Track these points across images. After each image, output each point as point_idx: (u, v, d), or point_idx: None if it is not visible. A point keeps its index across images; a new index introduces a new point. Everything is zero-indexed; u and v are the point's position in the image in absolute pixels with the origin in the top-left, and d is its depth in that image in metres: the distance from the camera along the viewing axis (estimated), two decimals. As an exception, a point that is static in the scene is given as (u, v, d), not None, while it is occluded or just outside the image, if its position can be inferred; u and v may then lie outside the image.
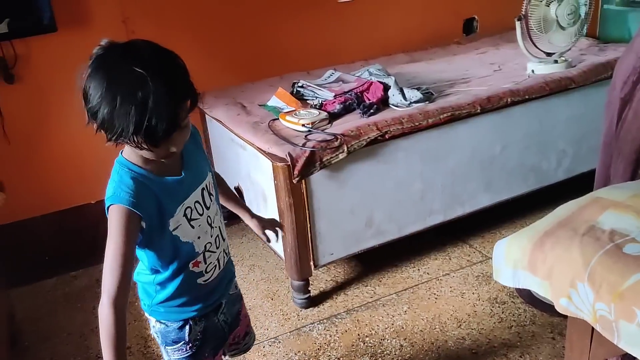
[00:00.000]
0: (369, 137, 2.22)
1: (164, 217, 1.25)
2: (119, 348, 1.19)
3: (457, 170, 2.49)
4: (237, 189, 2.64)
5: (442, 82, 2.68)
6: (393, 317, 2.27)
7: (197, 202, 1.32)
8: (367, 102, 2.42)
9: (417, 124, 2.31)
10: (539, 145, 2.64)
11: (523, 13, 2.63)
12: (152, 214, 1.23)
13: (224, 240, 1.44)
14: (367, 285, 2.47)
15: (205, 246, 1.35)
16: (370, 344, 2.14)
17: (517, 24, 2.66)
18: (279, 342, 2.20)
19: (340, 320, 2.28)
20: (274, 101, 2.54)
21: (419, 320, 2.23)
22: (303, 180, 2.15)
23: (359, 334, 2.19)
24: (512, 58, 2.96)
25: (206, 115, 2.78)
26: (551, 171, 2.72)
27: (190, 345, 1.42)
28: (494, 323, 2.18)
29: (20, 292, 2.56)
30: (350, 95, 2.47)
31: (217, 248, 1.40)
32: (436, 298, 2.35)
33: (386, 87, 2.48)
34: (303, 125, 2.25)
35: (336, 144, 2.16)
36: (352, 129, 2.22)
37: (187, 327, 1.40)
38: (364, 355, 2.08)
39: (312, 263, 2.29)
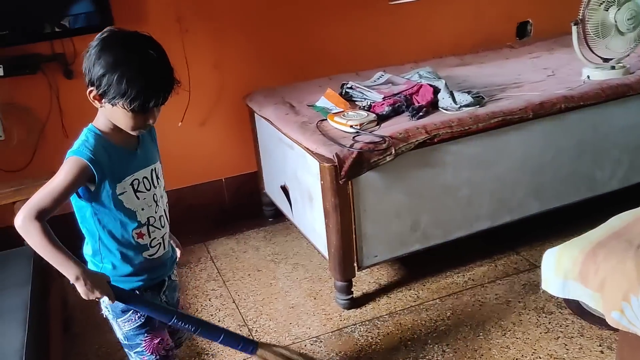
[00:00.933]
0: (417, 140, 2.20)
1: (114, 179, 1.42)
2: (52, 239, 1.35)
3: (507, 177, 2.44)
4: (284, 188, 2.67)
5: (493, 86, 2.64)
6: (436, 322, 2.25)
7: (145, 178, 1.48)
8: (417, 104, 2.41)
9: (466, 128, 2.28)
10: (593, 153, 2.57)
11: (580, 17, 2.57)
12: (104, 172, 1.40)
13: (168, 224, 1.58)
14: (410, 289, 2.45)
15: (148, 219, 1.49)
16: (412, 348, 2.13)
17: (574, 28, 2.59)
18: (321, 341, 2.21)
19: (382, 322, 2.28)
20: (322, 102, 2.56)
21: (462, 327, 2.21)
22: (349, 182, 2.15)
23: (401, 338, 2.18)
24: (567, 63, 2.89)
25: (255, 114, 2.82)
26: (604, 180, 2.64)
27: (138, 315, 1.52)
28: (540, 333, 2.14)
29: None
30: (400, 97, 2.46)
31: (162, 227, 1.54)
32: (480, 305, 2.32)
33: (436, 90, 2.46)
34: (351, 126, 2.26)
35: (384, 146, 2.15)
36: (401, 131, 2.22)
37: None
38: (405, 359, 2.07)
39: (355, 264, 2.29)
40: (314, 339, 2.22)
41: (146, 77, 1.33)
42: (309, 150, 2.24)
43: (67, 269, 1.37)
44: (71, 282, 1.39)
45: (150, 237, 1.51)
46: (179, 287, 1.71)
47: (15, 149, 2.65)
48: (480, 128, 2.30)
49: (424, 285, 2.47)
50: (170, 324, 1.51)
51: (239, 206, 3.12)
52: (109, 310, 1.54)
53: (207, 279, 2.65)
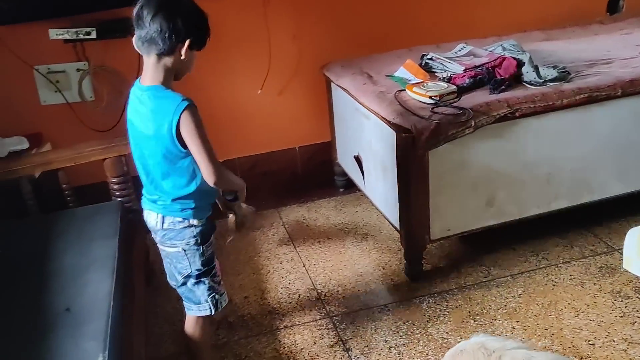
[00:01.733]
0: (498, 114, 2.16)
1: None
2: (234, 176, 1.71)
3: (590, 155, 2.36)
4: (357, 158, 2.68)
5: (581, 62, 2.54)
6: (506, 298, 2.22)
7: None
8: (499, 77, 2.35)
9: (550, 103, 2.21)
10: (685, 135, 2.44)
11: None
12: None
13: None
14: (481, 265, 2.43)
15: None
16: (480, 322, 2.12)
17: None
18: (388, 310, 2.23)
19: (451, 296, 2.27)
20: (401, 72, 2.54)
21: (534, 305, 2.17)
22: (426, 153, 2.14)
23: (469, 312, 2.18)
24: (662, 40, 2.74)
25: (332, 84, 2.83)
26: (696, 164, 2.51)
27: (213, 239, 1.75)
28: (615, 317, 2.08)
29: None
30: (482, 70, 2.41)
31: None
32: (554, 285, 2.27)
33: (520, 64, 2.40)
34: (430, 97, 2.24)
35: (463, 118, 2.13)
36: (481, 104, 2.18)
37: (211, 224, 1.75)
38: (473, 333, 2.06)
39: (427, 236, 2.29)
40: (382, 307, 2.25)
41: (199, 16, 1.57)
42: (386, 120, 2.24)
43: (241, 187, 1.73)
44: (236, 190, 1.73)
45: None
46: None
47: (104, 110, 2.78)
48: (564, 104, 2.23)
49: (496, 262, 2.44)
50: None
51: (311, 175, 3.16)
52: (198, 239, 1.69)
53: (279, 243, 2.72)
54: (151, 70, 1.59)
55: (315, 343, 2.10)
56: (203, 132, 1.55)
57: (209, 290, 1.75)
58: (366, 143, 2.55)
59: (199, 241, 1.70)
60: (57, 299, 1.71)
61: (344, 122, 2.82)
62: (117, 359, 1.52)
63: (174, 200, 1.66)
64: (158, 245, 1.77)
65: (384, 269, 2.48)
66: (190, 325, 1.82)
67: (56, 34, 2.53)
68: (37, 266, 1.87)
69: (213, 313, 1.78)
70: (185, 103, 1.53)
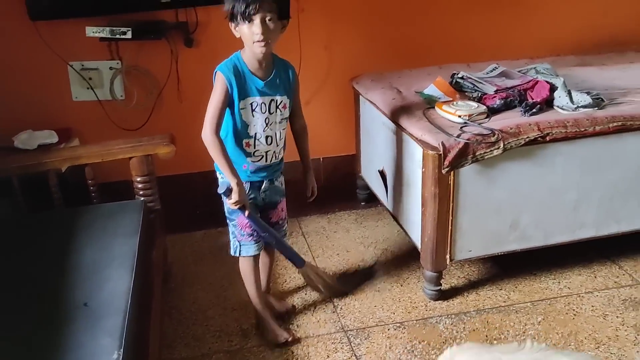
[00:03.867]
0: (528, 137, 2.13)
1: (240, 95, 1.88)
2: (228, 159, 1.87)
3: (619, 185, 2.32)
4: (381, 173, 2.67)
5: (615, 90, 2.50)
6: (525, 325, 2.18)
7: (263, 103, 1.92)
8: (531, 100, 2.33)
9: (582, 129, 2.18)
10: None
11: None
12: (237, 87, 1.87)
13: (277, 145, 2.00)
14: (501, 289, 2.40)
15: (255, 134, 1.94)
16: (498, 348, 2.08)
17: None
18: (404, 327, 2.21)
19: (468, 318, 2.24)
20: (431, 89, 2.53)
21: (553, 334, 2.13)
22: (452, 172, 2.12)
23: (487, 335, 2.14)
24: (700, 72, 2.69)
25: (360, 97, 2.83)
26: None
27: (239, 197, 1.92)
28: (637, 352, 2.02)
29: (173, 238, 2.78)
30: (513, 91, 2.38)
31: (268, 145, 1.97)
32: (575, 314, 2.23)
33: (553, 88, 2.37)
34: (459, 116, 2.22)
35: (492, 139, 2.10)
36: (512, 126, 2.15)
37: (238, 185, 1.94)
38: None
39: (448, 256, 2.26)
40: (398, 324, 2.23)
41: None
42: (414, 136, 2.23)
43: (232, 177, 1.87)
44: (232, 185, 1.87)
45: (254, 148, 1.96)
46: (282, 193, 2.13)
47: (133, 109, 2.82)
48: (596, 131, 2.19)
49: (516, 287, 2.40)
50: (261, 234, 2.05)
51: (333, 187, 3.15)
52: (220, 188, 1.95)
53: (298, 252, 2.70)
54: None
55: (328, 357, 2.08)
56: (213, 95, 1.85)
57: (231, 233, 2.08)
58: (391, 158, 2.54)
59: (220, 191, 1.94)
60: (76, 293, 1.72)
61: (370, 136, 2.81)
62: (132, 356, 1.52)
63: None
64: None
65: (402, 285, 2.45)
66: None
67: (93, 31, 2.57)
68: (58, 259, 1.88)
69: (233, 254, 2.10)
70: (218, 69, 1.87)
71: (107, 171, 2.56)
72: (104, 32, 2.57)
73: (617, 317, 2.20)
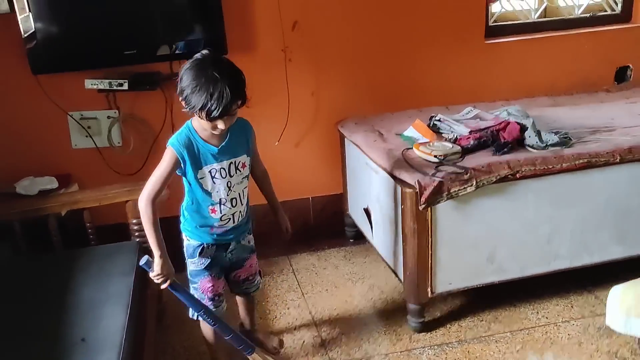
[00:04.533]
0: (499, 175, 2.28)
1: (196, 165, 1.90)
2: (156, 228, 1.88)
3: (589, 218, 2.45)
4: (366, 211, 2.80)
5: (584, 129, 2.66)
6: (504, 354, 2.28)
7: (222, 168, 1.93)
8: (502, 140, 2.48)
9: (550, 167, 2.32)
10: (684, 202, 2.52)
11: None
12: (189, 160, 1.88)
13: (242, 204, 2.02)
14: (482, 320, 2.50)
15: (220, 200, 1.95)
16: (477, 376, 2.18)
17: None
18: (389, 359, 2.30)
19: (450, 348, 2.34)
20: (410, 131, 2.68)
21: (531, 362, 2.23)
22: (429, 208, 2.26)
23: (467, 365, 2.24)
24: (664, 110, 2.85)
25: (345, 139, 2.98)
26: (696, 231, 2.57)
27: (202, 262, 2.03)
28: (612, 378, 2.12)
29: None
30: (486, 132, 2.54)
31: (233, 207, 1.99)
32: (551, 343, 2.33)
33: (523, 128, 2.52)
34: (435, 156, 2.36)
35: (465, 177, 2.24)
36: (484, 164, 2.30)
37: (200, 248, 2.02)
38: (470, 386, 2.13)
39: (429, 289, 2.38)
40: (383, 355, 2.32)
41: (208, 94, 1.73)
42: (393, 175, 2.37)
43: (157, 249, 1.88)
44: (155, 257, 1.88)
45: (221, 212, 1.98)
46: (250, 249, 2.16)
47: (130, 155, 2.96)
48: (564, 168, 2.33)
49: (496, 318, 2.50)
50: (197, 314, 2.03)
51: (322, 225, 3.28)
52: (185, 249, 2.05)
53: (288, 289, 2.82)
54: None
55: (315, 388, 2.17)
56: (160, 166, 1.89)
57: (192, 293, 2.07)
58: (375, 196, 2.68)
59: (185, 250, 2.03)
60: (74, 330, 1.82)
61: (355, 176, 2.95)
62: (126, 388, 1.62)
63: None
64: None
65: (387, 319, 2.55)
66: None
67: (92, 83, 2.73)
68: (58, 298, 1.99)
69: (191, 316, 2.10)
70: (169, 143, 1.90)
71: (104, 214, 2.69)
72: (102, 84, 2.73)
73: (591, 344, 2.30)
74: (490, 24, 3.30)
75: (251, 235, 2.16)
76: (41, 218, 2.40)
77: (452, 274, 2.39)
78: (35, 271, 2.21)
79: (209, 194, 1.94)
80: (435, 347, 2.35)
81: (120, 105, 2.88)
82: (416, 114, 2.91)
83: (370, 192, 2.72)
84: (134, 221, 2.41)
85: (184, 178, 1.96)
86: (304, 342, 2.43)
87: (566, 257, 2.48)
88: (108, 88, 2.74)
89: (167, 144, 1.90)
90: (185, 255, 2.05)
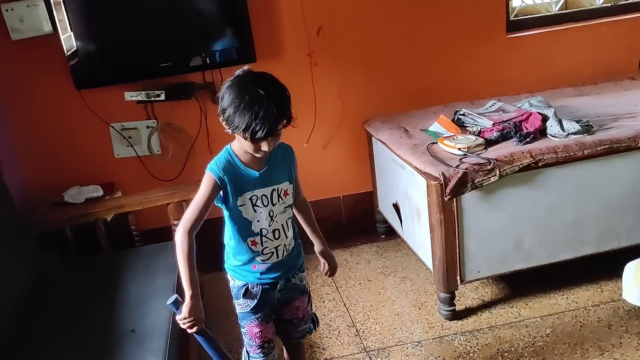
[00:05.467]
0: (521, 164, 2.35)
1: (237, 191, 1.72)
2: (190, 264, 1.68)
3: (614, 203, 2.49)
4: (395, 206, 2.90)
5: (606, 116, 2.70)
6: (535, 338, 2.34)
7: (264, 195, 1.74)
8: (525, 131, 2.54)
9: (572, 154, 2.38)
10: None
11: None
12: (230, 185, 1.71)
13: (287, 237, 1.81)
14: (512, 307, 2.56)
15: (261, 231, 1.76)
16: (508, 359, 2.24)
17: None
18: (422, 346, 2.39)
19: (482, 334, 2.41)
20: (435, 127, 2.77)
21: (561, 344, 2.28)
22: (454, 199, 2.34)
23: (498, 349, 2.31)
24: (689, 95, 2.87)
25: (372, 138, 3.08)
26: None
27: (247, 304, 1.84)
28: (639, 357, 2.17)
29: (208, 277, 3.02)
30: (509, 124, 2.61)
31: (275, 239, 1.78)
32: (581, 326, 2.38)
33: (545, 118, 2.58)
34: (459, 149, 2.45)
35: (489, 167, 2.32)
36: (506, 155, 2.37)
37: (245, 288, 1.82)
38: (501, 368, 2.20)
39: (458, 278, 2.45)
40: (416, 343, 2.41)
41: (253, 113, 1.56)
42: (418, 169, 2.46)
43: (189, 288, 1.68)
44: (185, 297, 1.68)
45: (262, 245, 1.77)
46: (301, 290, 1.90)
47: (168, 162, 3.12)
48: (585, 155, 2.39)
49: (527, 304, 2.56)
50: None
51: (354, 222, 3.38)
52: (231, 290, 1.88)
53: (322, 284, 2.93)
54: None
55: (351, 374, 2.27)
56: (198, 194, 1.70)
57: (243, 339, 1.91)
58: (403, 191, 2.77)
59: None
60: (124, 322, 1.97)
61: (384, 173, 3.05)
62: (174, 371, 1.75)
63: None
64: None
65: (419, 309, 2.64)
66: None
67: (131, 96, 2.91)
68: (108, 294, 2.15)
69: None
70: (208, 169, 1.71)
71: (147, 219, 2.86)
72: (141, 96, 2.90)
73: (621, 326, 2.34)
74: (512, 18, 3.37)
75: (303, 273, 1.91)
76: (89, 224, 2.57)
77: (480, 262, 2.46)
78: (86, 271, 2.38)
79: (249, 223, 1.75)
80: (467, 333, 2.43)
81: (158, 115, 3.04)
82: (441, 110, 2.99)
83: (399, 187, 2.82)
84: (175, 222, 2.56)
85: (223, 208, 1.77)
86: (339, 332, 2.54)
87: (593, 242, 2.53)
88: (146, 99, 2.90)
89: (206, 169, 1.72)
90: (233, 297, 1.88)
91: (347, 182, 3.36)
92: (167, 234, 2.64)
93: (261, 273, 1.81)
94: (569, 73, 3.40)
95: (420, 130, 2.81)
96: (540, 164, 2.37)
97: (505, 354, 2.27)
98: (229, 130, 1.64)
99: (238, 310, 1.88)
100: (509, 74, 3.35)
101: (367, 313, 2.65)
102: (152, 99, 2.90)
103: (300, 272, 1.89)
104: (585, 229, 2.50)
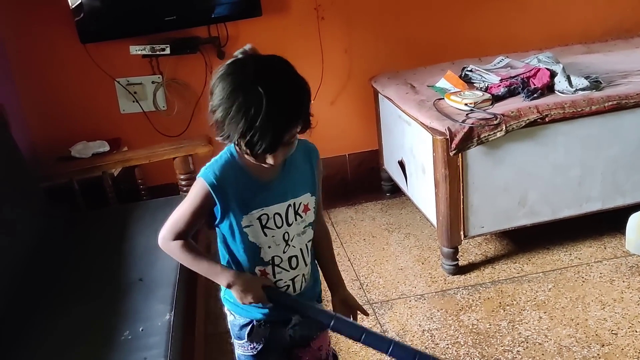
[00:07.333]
0: (528, 119, 2.33)
1: (240, 209, 1.29)
2: (201, 256, 1.34)
3: (621, 160, 2.49)
4: (400, 163, 2.90)
5: (615, 73, 2.67)
6: (536, 292, 2.37)
7: (277, 214, 1.32)
8: (532, 87, 2.52)
9: (579, 109, 2.37)
10: None
11: None
12: (232, 199, 1.28)
13: (306, 265, 1.41)
14: (515, 262, 2.58)
15: (273, 259, 1.35)
16: (509, 312, 2.28)
17: None
18: (424, 299, 2.42)
19: (484, 289, 2.44)
20: (442, 83, 2.75)
21: (562, 298, 2.31)
22: (460, 154, 2.34)
23: (500, 302, 2.34)
24: (700, 51, 2.82)
25: (379, 94, 3.07)
26: None
27: (252, 346, 1.43)
28: (642, 312, 2.19)
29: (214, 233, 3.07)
30: (516, 79, 2.58)
31: (292, 269, 1.38)
32: (583, 281, 2.40)
33: (553, 74, 2.56)
34: (466, 104, 2.43)
35: (495, 122, 2.31)
36: (513, 110, 2.36)
37: (250, 327, 1.42)
38: (502, 321, 2.23)
39: (462, 233, 2.47)
40: (419, 296, 2.44)
41: (248, 120, 1.15)
42: (424, 124, 2.46)
43: (218, 277, 1.33)
44: (222, 286, 1.36)
45: (275, 277, 1.37)
46: (322, 329, 1.49)
47: (174, 118, 3.12)
48: (593, 111, 2.37)
49: (530, 260, 2.58)
50: (327, 326, 1.35)
51: (359, 180, 3.40)
52: (230, 327, 1.49)
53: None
54: None
55: (355, 325, 2.31)
56: (187, 199, 1.32)
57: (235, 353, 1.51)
58: (408, 148, 2.77)
59: (230, 328, 1.46)
60: (132, 271, 2.01)
61: (389, 130, 3.04)
62: (182, 317, 1.79)
63: None
64: None
65: (423, 264, 2.67)
66: None
67: (136, 49, 2.89)
68: (116, 245, 2.18)
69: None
70: (200, 174, 1.31)
71: (154, 175, 2.88)
72: (146, 50, 2.89)
73: (623, 282, 2.36)
74: (522, -27, 3.30)
75: (321, 303, 1.53)
76: (96, 178, 2.59)
77: (484, 217, 2.47)
78: (94, 223, 2.41)
79: (257, 249, 1.33)
80: (469, 287, 2.46)
81: (163, 70, 3.03)
82: (449, 67, 2.96)
83: (404, 144, 2.81)
84: (182, 177, 2.58)
85: (217, 229, 1.36)
86: (343, 286, 2.57)
87: (598, 199, 2.53)
88: (151, 53, 2.89)
89: (200, 173, 1.30)
90: (232, 336, 1.48)
91: (353, 140, 3.36)
92: (173, 190, 2.66)
93: (271, 309, 1.39)
94: (579, 30, 3.35)
95: (427, 86, 2.79)
96: (547, 120, 2.35)
97: (507, 307, 2.31)
98: (220, 139, 1.23)
99: (239, 352, 1.47)
100: (517, 30, 3.30)
101: (370, 267, 2.68)
102: (157, 52, 2.89)
103: (317, 304, 1.49)
104: (590, 186, 2.50)
